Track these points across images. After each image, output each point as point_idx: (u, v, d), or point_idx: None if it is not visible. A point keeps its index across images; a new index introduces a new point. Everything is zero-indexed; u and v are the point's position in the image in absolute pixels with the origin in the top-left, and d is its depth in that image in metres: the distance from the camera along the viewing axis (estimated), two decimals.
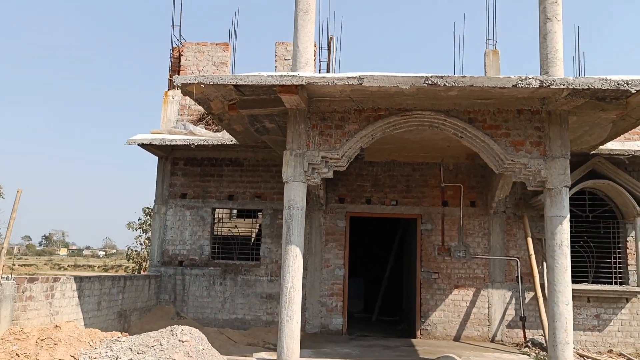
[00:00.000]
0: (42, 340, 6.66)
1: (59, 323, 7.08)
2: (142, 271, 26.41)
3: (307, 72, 7.99)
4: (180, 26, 12.44)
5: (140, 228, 27.31)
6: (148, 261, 27.04)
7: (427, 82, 6.62)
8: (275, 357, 7.93)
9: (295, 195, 7.73)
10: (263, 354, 8.55)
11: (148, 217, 26.96)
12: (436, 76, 6.64)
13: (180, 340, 7.00)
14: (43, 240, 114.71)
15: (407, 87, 6.66)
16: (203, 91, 7.36)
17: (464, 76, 6.62)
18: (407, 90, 6.96)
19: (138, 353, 6.72)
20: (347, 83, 6.76)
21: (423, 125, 7.89)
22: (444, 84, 6.60)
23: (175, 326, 7.24)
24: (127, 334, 7.64)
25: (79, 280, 8.37)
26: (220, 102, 7.94)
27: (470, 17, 14.26)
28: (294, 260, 7.59)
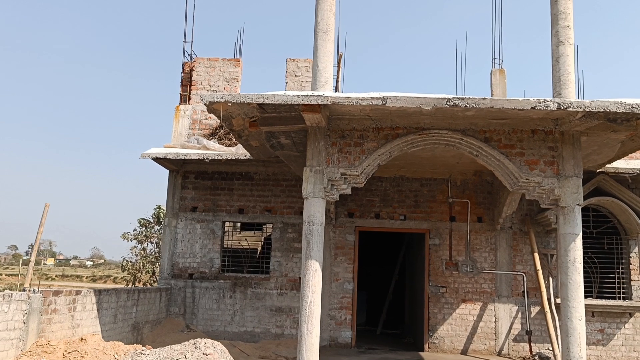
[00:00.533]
0: (69, 353, 6.75)
1: (84, 336, 7.16)
2: (136, 282, 26.38)
3: (328, 91, 8.21)
4: (192, 42, 12.63)
5: (135, 239, 27.26)
6: (143, 272, 27.06)
7: (448, 103, 6.84)
8: None
9: (315, 211, 7.90)
10: None
11: (144, 228, 26.96)
12: (457, 98, 6.86)
13: (204, 354, 7.11)
14: (29, 249, 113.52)
15: (429, 107, 6.87)
16: (227, 109, 7.54)
17: (485, 98, 6.85)
18: (425, 110, 7.17)
19: None
20: (371, 103, 6.96)
21: (439, 143, 8.10)
22: (465, 105, 6.83)
23: (198, 339, 7.34)
24: (150, 346, 7.73)
25: (97, 293, 8.45)
26: (242, 119, 8.11)
27: (473, 35, 14.58)
28: (314, 275, 7.74)
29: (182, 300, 11.59)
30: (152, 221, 26.98)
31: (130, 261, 27.43)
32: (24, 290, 6.97)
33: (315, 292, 7.73)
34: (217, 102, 7.17)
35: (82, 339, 7.04)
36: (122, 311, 9.38)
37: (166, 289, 11.49)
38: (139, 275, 26.75)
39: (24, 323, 6.64)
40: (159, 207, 26.95)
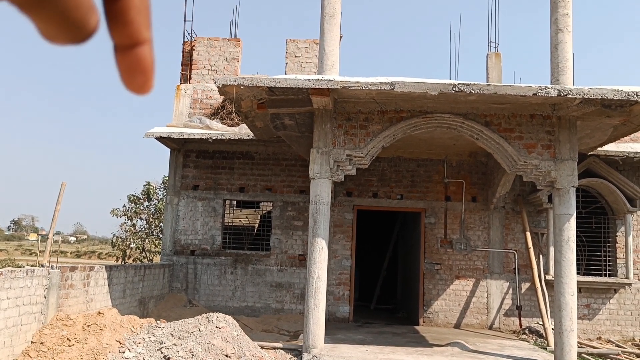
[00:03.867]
0: (88, 326, 7.02)
1: (101, 310, 7.43)
2: (126, 258, 26.60)
3: (335, 74, 8.44)
4: (192, 21, 12.70)
5: (125, 215, 27.38)
6: (132, 248, 27.30)
7: (454, 89, 7.12)
8: (299, 343, 8.43)
9: (321, 191, 8.19)
10: (287, 342, 9.02)
11: (133, 204, 27.08)
12: (463, 83, 7.15)
13: (217, 327, 7.43)
14: (11, 225, 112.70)
15: (435, 93, 7.15)
16: (239, 91, 7.74)
17: (489, 84, 7.15)
18: (430, 95, 7.45)
19: (179, 338, 7.14)
20: (379, 88, 7.22)
21: (442, 127, 8.40)
22: (470, 91, 7.12)
23: (210, 313, 7.66)
24: (162, 318, 8.03)
25: (108, 269, 8.70)
26: (250, 101, 8.33)
27: (467, 17, 14.79)
28: (320, 252, 8.07)
29: (185, 276, 11.87)
30: (141, 198, 27.11)
31: (120, 237, 27.62)
32: (42, 266, 7.20)
33: (322, 269, 8.07)
34: (230, 85, 7.38)
35: (99, 312, 7.31)
36: (130, 286, 9.65)
37: (169, 265, 11.76)
38: (128, 251, 26.99)
39: (45, 297, 6.88)
40: (149, 184, 27.06)
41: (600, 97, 7.07)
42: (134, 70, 0.52)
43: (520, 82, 22.85)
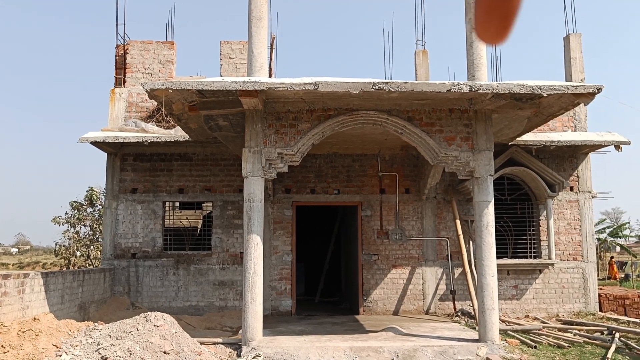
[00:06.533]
0: (23, 332, 7.06)
1: (37, 315, 7.47)
2: (71, 266, 26.06)
3: (264, 75, 8.72)
4: (124, 24, 12.68)
5: (67, 222, 26.81)
6: (76, 255, 26.72)
7: (374, 87, 7.53)
8: (240, 337, 8.68)
9: (254, 189, 8.47)
10: (227, 337, 9.24)
11: (76, 211, 26.57)
12: (382, 82, 7.56)
13: (155, 325, 7.60)
14: None
15: (357, 91, 7.54)
16: (168, 95, 7.91)
17: (406, 82, 7.58)
18: (353, 93, 7.83)
19: (117, 339, 7.28)
20: (304, 88, 7.55)
21: (368, 123, 8.82)
22: (389, 89, 7.54)
23: (148, 313, 7.82)
24: (103, 322, 8.12)
25: (45, 275, 8.70)
26: (182, 103, 8.50)
27: (398, 15, 15.30)
28: (255, 248, 8.35)
29: (126, 280, 11.90)
30: (84, 204, 26.62)
31: (64, 245, 26.99)
32: None
33: (257, 264, 8.35)
34: (159, 89, 7.54)
35: (35, 318, 7.35)
36: (69, 292, 9.66)
37: (110, 269, 11.77)
38: (73, 259, 26.43)
39: None
40: (92, 189, 26.58)
41: (508, 91, 7.62)
42: (494, 13, 0.45)
43: (455, 77, 23.64)
